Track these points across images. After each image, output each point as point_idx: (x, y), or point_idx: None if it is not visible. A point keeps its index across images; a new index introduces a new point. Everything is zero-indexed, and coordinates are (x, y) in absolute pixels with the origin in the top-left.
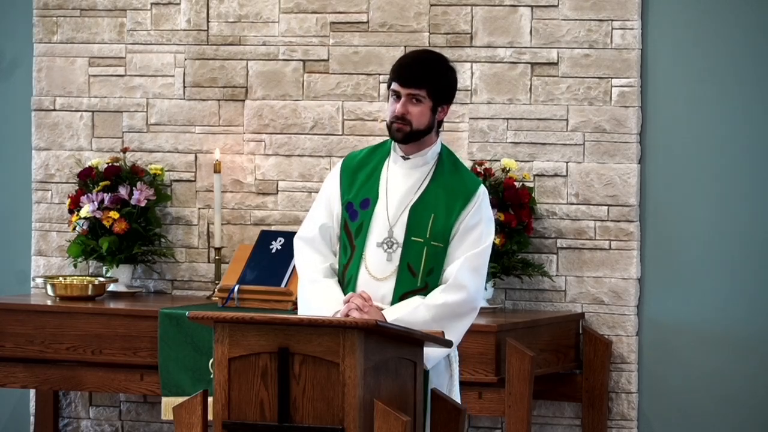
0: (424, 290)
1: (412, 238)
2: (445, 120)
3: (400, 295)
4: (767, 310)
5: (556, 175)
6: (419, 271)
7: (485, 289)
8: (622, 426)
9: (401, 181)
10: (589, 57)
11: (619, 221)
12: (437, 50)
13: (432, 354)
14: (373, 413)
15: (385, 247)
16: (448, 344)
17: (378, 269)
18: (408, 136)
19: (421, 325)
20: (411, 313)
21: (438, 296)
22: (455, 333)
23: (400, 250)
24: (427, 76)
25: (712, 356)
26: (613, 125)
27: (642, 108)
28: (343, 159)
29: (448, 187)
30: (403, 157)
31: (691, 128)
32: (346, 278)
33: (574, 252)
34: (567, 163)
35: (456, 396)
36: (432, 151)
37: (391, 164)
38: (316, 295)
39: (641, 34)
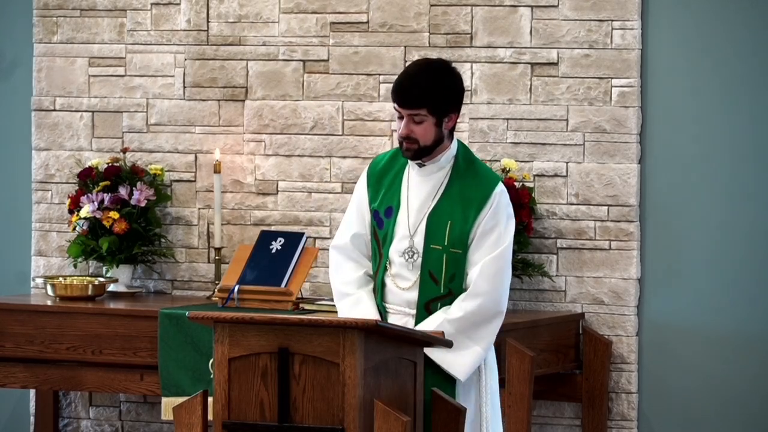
0: (448, 296)
1: (432, 246)
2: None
3: (424, 303)
4: (767, 310)
5: (556, 175)
6: (441, 279)
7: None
8: (622, 426)
9: (419, 189)
10: (589, 57)
11: (619, 221)
12: (438, 50)
13: (461, 365)
14: (373, 413)
15: (407, 256)
16: (448, 344)
17: (402, 278)
18: (417, 153)
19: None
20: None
21: (456, 308)
22: (483, 340)
23: (420, 259)
24: (424, 96)
25: (712, 356)
26: (613, 125)
27: (642, 108)
28: (369, 164)
29: (464, 192)
30: (418, 164)
31: (691, 128)
32: (376, 286)
33: (574, 252)
34: (567, 163)
35: (489, 408)
36: (446, 156)
37: (411, 171)
38: (343, 311)
39: (641, 34)
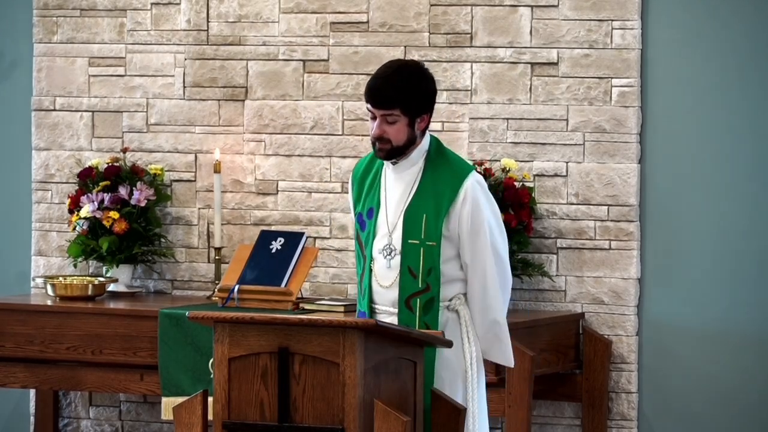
0: (426, 291)
1: (409, 242)
2: (445, 120)
3: (404, 299)
4: (766, 309)
5: (556, 175)
6: (419, 273)
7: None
8: (622, 426)
9: (395, 187)
10: (589, 57)
11: (619, 221)
12: (438, 50)
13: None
14: (373, 413)
15: (385, 253)
16: (448, 344)
17: (383, 277)
18: (390, 153)
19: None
20: (492, 342)
21: (483, 326)
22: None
23: (398, 256)
24: (396, 96)
25: (712, 356)
26: (613, 125)
27: (642, 108)
28: (353, 169)
29: (436, 185)
30: (392, 162)
31: (691, 128)
32: (362, 288)
33: (574, 252)
34: (567, 163)
35: (475, 404)
36: (417, 151)
37: (387, 170)
38: None
39: (641, 34)
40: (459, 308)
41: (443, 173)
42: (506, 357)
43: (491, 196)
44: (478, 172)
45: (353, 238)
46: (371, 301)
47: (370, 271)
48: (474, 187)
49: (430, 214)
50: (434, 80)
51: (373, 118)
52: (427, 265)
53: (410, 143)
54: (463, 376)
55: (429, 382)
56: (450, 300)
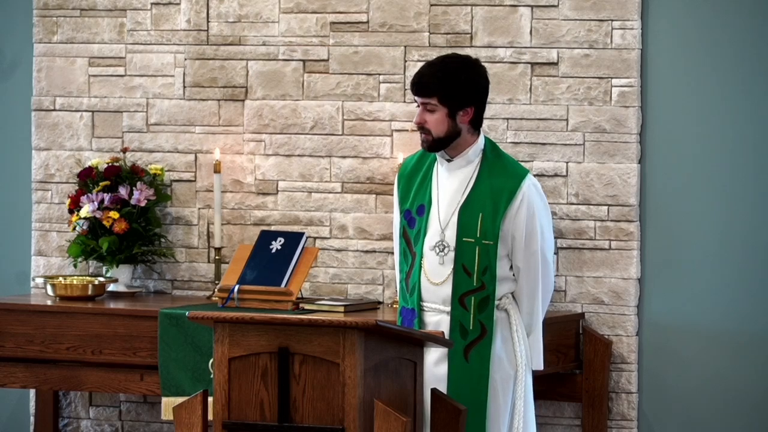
0: (481, 289)
1: (464, 239)
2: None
3: (458, 296)
4: (767, 309)
5: (556, 175)
6: (474, 271)
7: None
8: (622, 426)
9: (449, 184)
10: (589, 57)
11: (619, 221)
12: (438, 50)
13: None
14: (373, 413)
15: (437, 250)
16: (448, 345)
17: (434, 274)
18: (432, 144)
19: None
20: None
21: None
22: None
23: (452, 253)
24: (435, 85)
25: (713, 356)
26: (613, 125)
27: (642, 108)
28: (400, 166)
29: (494, 185)
30: (447, 159)
31: (692, 128)
32: (410, 285)
33: (574, 252)
34: (567, 163)
35: (522, 402)
36: (474, 150)
37: (439, 167)
38: None
39: (641, 34)
40: (508, 307)
41: (500, 173)
42: (537, 361)
43: (545, 198)
44: None
45: (398, 237)
46: (420, 298)
47: (420, 267)
48: (531, 190)
49: (486, 213)
50: (484, 74)
51: (418, 106)
52: (483, 264)
53: (452, 136)
54: (515, 376)
55: (483, 384)
56: (500, 299)
